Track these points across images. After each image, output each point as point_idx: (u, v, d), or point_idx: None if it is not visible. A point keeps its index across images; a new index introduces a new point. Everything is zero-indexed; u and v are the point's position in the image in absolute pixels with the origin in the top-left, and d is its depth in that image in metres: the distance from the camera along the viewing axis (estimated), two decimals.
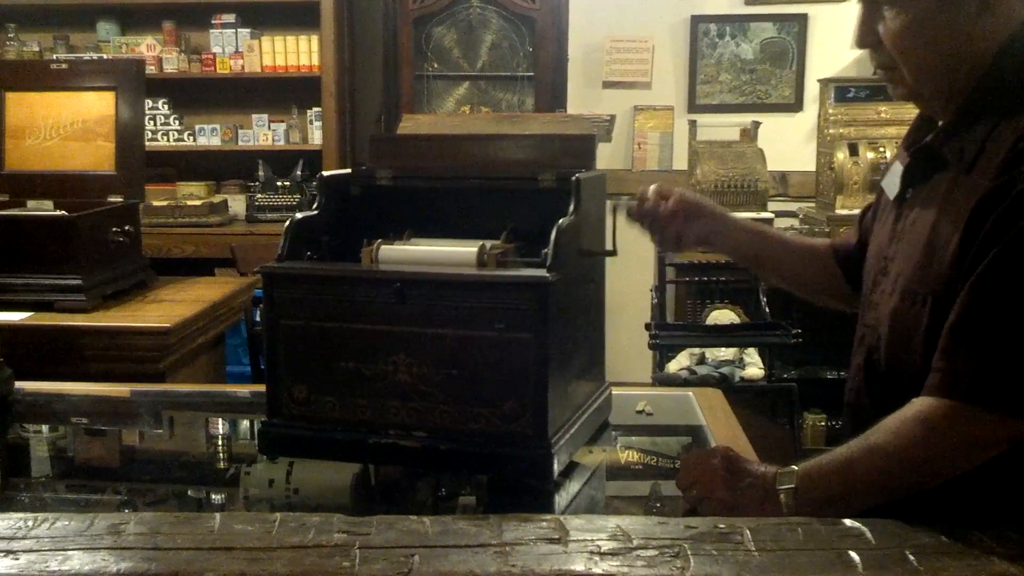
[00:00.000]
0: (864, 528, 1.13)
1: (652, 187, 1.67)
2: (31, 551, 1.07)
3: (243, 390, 2.34)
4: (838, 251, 1.65)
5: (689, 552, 1.07)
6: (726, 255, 1.73)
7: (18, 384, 2.00)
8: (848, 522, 1.15)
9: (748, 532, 1.12)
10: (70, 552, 1.07)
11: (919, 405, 1.22)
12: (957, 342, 1.20)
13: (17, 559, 1.05)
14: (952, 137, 1.31)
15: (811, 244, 1.74)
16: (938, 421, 1.20)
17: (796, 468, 1.29)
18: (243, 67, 4.96)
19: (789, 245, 1.72)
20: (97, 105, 2.94)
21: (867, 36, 1.35)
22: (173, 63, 4.98)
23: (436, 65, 4.86)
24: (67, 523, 1.14)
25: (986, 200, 1.21)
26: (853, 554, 1.07)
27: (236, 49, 4.97)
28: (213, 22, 4.99)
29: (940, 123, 1.36)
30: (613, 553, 1.07)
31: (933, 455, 1.21)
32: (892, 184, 1.44)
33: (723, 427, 1.79)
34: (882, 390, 1.36)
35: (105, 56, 4.95)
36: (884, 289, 1.39)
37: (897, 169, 1.43)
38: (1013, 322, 1.17)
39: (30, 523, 1.14)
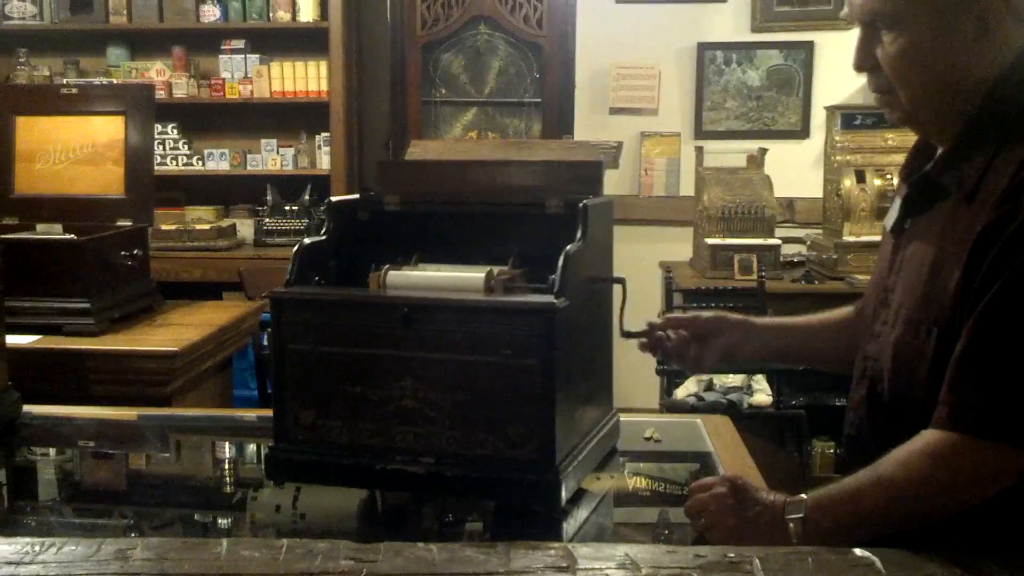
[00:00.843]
0: (875, 558, 1.12)
1: (659, 321, 1.67)
2: None
3: (250, 414, 2.34)
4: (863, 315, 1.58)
5: None
6: (756, 363, 1.70)
7: (25, 407, 2.00)
8: (859, 552, 1.14)
9: (758, 561, 1.11)
10: None
11: (927, 437, 1.22)
12: (963, 374, 1.20)
13: None
14: (951, 166, 1.31)
15: (836, 318, 1.67)
16: (946, 454, 1.19)
17: (805, 497, 1.28)
18: (252, 92, 4.99)
19: (813, 330, 1.68)
20: (107, 129, 2.95)
21: (865, 60, 1.35)
22: (182, 88, 5.01)
23: (444, 91, 4.88)
24: (74, 548, 1.13)
25: (989, 230, 1.20)
26: None
27: (245, 75, 5.00)
28: (222, 48, 5.02)
29: (938, 150, 1.36)
30: None
31: (941, 488, 1.20)
32: (891, 214, 1.43)
33: (731, 454, 1.78)
34: (885, 422, 1.36)
35: (115, 81, 4.97)
36: (885, 320, 1.38)
37: (898, 203, 1.43)
38: (1020, 354, 1.16)
39: (37, 548, 1.13)
